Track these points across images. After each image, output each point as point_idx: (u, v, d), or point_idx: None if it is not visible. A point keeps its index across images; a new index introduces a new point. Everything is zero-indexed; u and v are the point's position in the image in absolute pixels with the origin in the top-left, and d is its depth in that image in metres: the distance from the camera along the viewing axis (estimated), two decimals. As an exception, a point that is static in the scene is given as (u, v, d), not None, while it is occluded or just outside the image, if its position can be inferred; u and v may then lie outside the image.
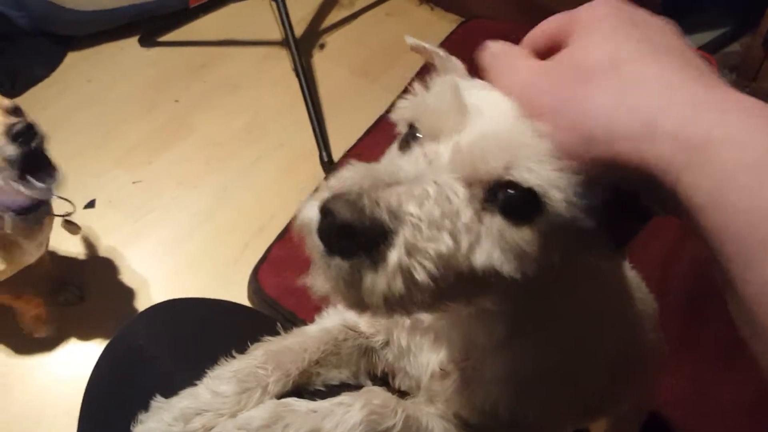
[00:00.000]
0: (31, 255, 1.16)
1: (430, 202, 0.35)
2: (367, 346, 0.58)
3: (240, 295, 1.36)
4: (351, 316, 0.58)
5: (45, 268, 1.34)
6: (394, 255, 0.34)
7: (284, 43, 1.79)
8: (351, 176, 0.36)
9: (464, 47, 1.68)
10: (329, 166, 1.60)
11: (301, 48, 1.69)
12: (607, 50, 0.33)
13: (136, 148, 1.64)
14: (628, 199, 0.35)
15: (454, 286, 0.36)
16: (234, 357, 0.53)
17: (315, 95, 1.71)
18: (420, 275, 0.34)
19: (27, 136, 0.93)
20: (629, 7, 0.35)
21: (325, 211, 0.34)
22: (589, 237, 0.37)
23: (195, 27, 1.84)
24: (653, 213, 0.37)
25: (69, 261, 1.44)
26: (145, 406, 0.52)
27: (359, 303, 0.36)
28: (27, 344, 1.33)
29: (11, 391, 1.28)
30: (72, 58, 1.84)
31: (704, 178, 0.28)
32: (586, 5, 0.36)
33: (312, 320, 0.68)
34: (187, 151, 1.64)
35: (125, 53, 1.85)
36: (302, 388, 0.54)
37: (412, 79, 1.64)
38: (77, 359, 1.32)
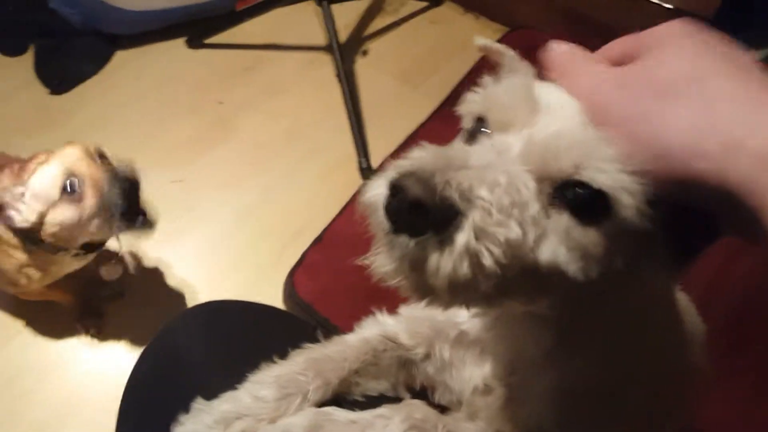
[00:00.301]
0: (70, 269, 1.18)
1: (500, 189, 0.34)
2: (407, 359, 0.57)
3: (276, 298, 1.36)
4: (391, 327, 0.58)
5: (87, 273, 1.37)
6: (463, 237, 0.33)
7: (328, 48, 1.80)
8: (423, 156, 0.35)
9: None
10: (368, 172, 1.60)
11: (345, 54, 1.70)
12: (686, 66, 0.32)
13: (180, 147, 1.66)
14: (695, 216, 0.34)
15: (517, 280, 0.35)
16: (275, 362, 0.53)
17: (356, 101, 1.71)
18: (487, 260, 0.33)
19: (133, 187, 0.97)
20: (704, 28, 0.34)
21: (395, 187, 0.34)
22: (654, 250, 0.36)
23: (241, 30, 1.86)
24: (720, 233, 0.36)
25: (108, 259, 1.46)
26: (184, 406, 0.53)
27: (421, 286, 0.35)
28: (66, 338, 1.36)
29: (49, 383, 1.30)
30: (120, 56, 1.87)
31: None
32: (663, 24, 0.35)
33: (344, 327, 0.67)
34: (229, 152, 1.65)
35: (172, 54, 1.88)
36: (341, 397, 0.53)
37: (460, 83, 1.62)
38: (115, 355, 1.34)
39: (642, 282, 0.40)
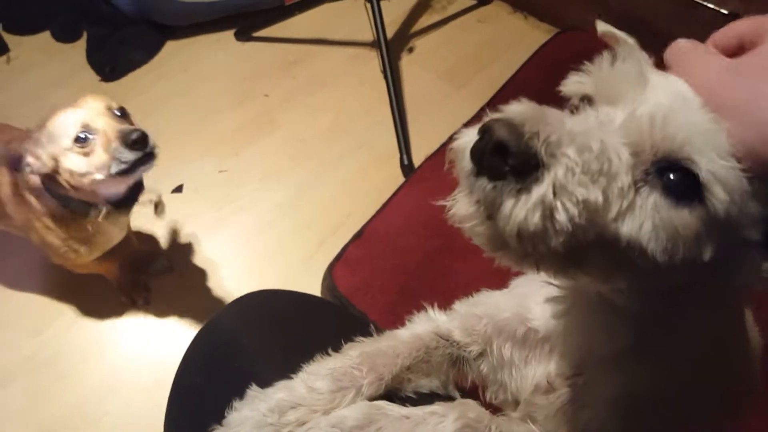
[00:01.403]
0: (113, 239, 1.21)
1: (590, 154, 0.34)
2: (458, 356, 0.57)
3: (312, 290, 1.37)
4: (443, 324, 0.57)
5: (132, 247, 1.41)
6: (541, 188, 0.33)
7: (374, 44, 1.80)
8: (519, 108, 0.35)
9: (558, 59, 1.64)
10: (409, 169, 1.60)
11: (391, 50, 1.70)
12: None
13: (226, 138, 1.68)
14: None
15: (595, 249, 0.35)
16: (329, 354, 0.54)
17: (400, 98, 1.71)
18: (561, 216, 0.33)
19: (142, 144, 0.97)
20: None
21: (485, 130, 0.34)
22: (747, 255, 0.35)
23: (289, 24, 1.88)
24: None
25: (153, 242, 1.50)
26: (233, 393, 0.53)
27: (494, 236, 0.35)
28: (106, 321, 1.40)
29: (89, 362, 1.34)
30: (170, 47, 1.91)
31: None
32: None
33: (381, 322, 0.67)
34: (273, 145, 1.67)
35: (221, 46, 1.91)
36: (393, 393, 0.53)
37: (506, 84, 1.60)
38: (153, 339, 1.37)
39: (727, 288, 0.39)
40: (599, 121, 0.36)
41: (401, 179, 1.57)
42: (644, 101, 0.36)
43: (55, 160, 0.99)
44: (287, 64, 1.85)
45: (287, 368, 0.54)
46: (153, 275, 1.44)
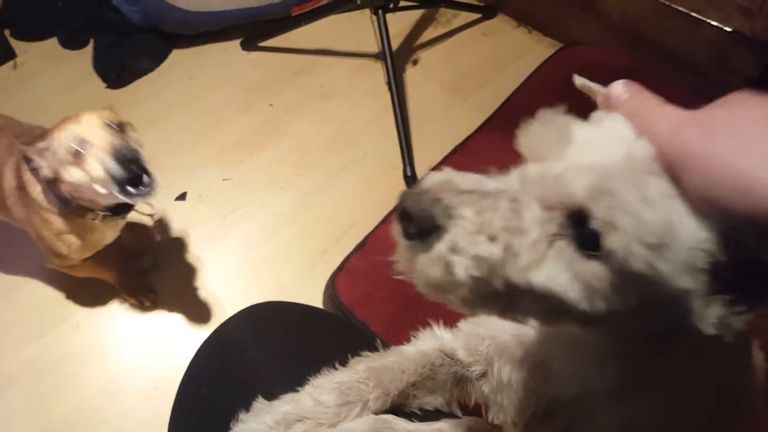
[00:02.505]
0: (105, 239, 1.23)
1: (494, 213, 0.37)
2: (462, 375, 0.57)
3: (314, 299, 1.38)
4: (448, 342, 0.58)
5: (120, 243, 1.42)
6: (439, 246, 0.37)
7: (379, 56, 1.81)
8: (436, 177, 0.40)
9: (561, 73, 1.65)
10: (412, 180, 1.60)
11: (395, 62, 1.71)
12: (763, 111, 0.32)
13: (230, 147, 1.69)
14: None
15: (521, 296, 0.38)
16: (335, 368, 0.54)
17: (404, 109, 1.72)
18: (458, 270, 0.37)
19: (132, 160, 1.00)
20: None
21: (400, 199, 0.40)
22: (688, 299, 0.35)
23: (295, 35, 1.89)
24: None
25: (154, 248, 1.50)
26: (238, 404, 0.53)
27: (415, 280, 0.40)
28: (109, 327, 1.40)
29: (90, 368, 1.34)
30: (177, 55, 1.92)
31: None
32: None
33: (383, 334, 0.68)
34: (277, 154, 1.68)
35: (227, 55, 1.92)
36: (398, 408, 0.54)
37: (510, 97, 1.60)
38: (155, 345, 1.37)
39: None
40: (521, 179, 0.39)
41: (404, 189, 1.57)
42: (563, 159, 0.38)
43: (56, 172, 1.03)
44: (293, 74, 1.86)
45: (293, 381, 0.55)
46: (139, 273, 1.45)
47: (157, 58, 1.89)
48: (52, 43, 1.95)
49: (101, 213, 1.12)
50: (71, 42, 1.94)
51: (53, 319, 1.40)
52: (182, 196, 1.59)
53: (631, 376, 0.43)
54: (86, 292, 1.43)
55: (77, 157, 1.00)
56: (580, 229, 0.36)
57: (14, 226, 1.26)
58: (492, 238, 0.37)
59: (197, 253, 1.50)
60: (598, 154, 0.37)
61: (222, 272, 1.47)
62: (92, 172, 1.00)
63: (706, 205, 0.33)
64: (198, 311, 1.41)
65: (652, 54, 1.66)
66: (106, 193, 1.02)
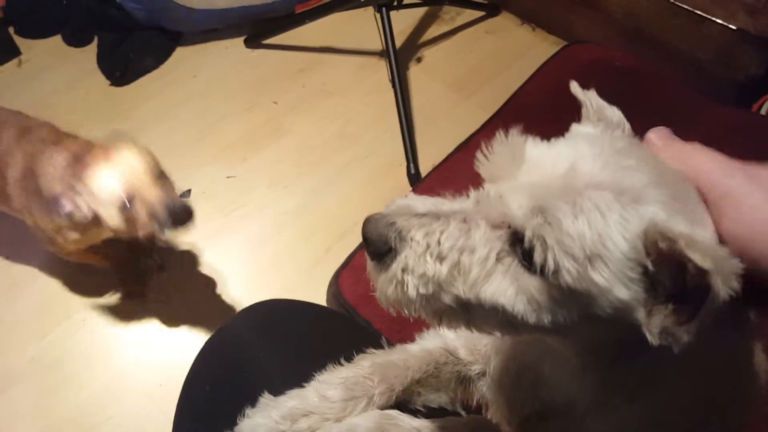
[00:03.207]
0: (104, 234, 1.21)
1: (442, 234, 0.40)
2: (465, 374, 0.57)
3: (318, 297, 1.37)
4: (451, 341, 0.58)
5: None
6: (393, 266, 0.41)
7: (383, 53, 1.81)
8: (397, 202, 0.44)
9: (565, 71, 1.63)
10: (415, 178, 1.60)
11: (399, 60, 1.71)
12: None
13: (234, 144, 1.69)
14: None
15: (467, 311, 0.41)
16: (341, 364, 0.54)
17: (408, 107, 1.72)
18: (409, 288, 0.40)
19: (186, 216, 1.00)
20: None
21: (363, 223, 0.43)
22: (633, 310, 0.36)
23: (299, 32, 1.89)
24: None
25: (158, 245, 1.50)
26: (242, 401, 0.54)
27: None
28: (113, 326, 1.40)
29: (94, 366, 1.35)
30: (180, 52, 1.92)
31: None
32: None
33: (386, 331, 0.68)
34: (281, 152, 1.68)
35: (230, 52, 1.92)
36: (402, 405, 0.54)
37: (514, 95, 1.60)
38: (158, 344, 1.38)
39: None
40: (476, 200, 0.42)
41: (408, 188, 1.58)
42: (513, 179, 0.41)
43: (94, 212, 1.00)
44: (296, 71, 1.86)
45: (297, 379, 0.55)
46: (145, 272, 1.45)
47: (161, 55, 1.89)
48: (57, 40, 1.95)
49: None
50: (75, 39, 1.94)
51: (57, 316, 1.41)
52: (186, 194, 1.59)
53: (611, 386, 0.43)
54: (91, 290, 1.44)
55: (124, 210, 0.98)
56: (522, 246, 0.38)
57: (10, 215, 1.27)
58: (440, 258, 0.40)
59: (201, 250, 1.50)
60: (544, 173, 0.39)
61: (225, 270, 1.47)
62: (139, 223, 0.99)
63: (735, 244, 0.35)
64: (201, 308, 1.41)
65: (656, 52, 1.65)
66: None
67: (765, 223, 0.34)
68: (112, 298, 1.43)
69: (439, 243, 0.40)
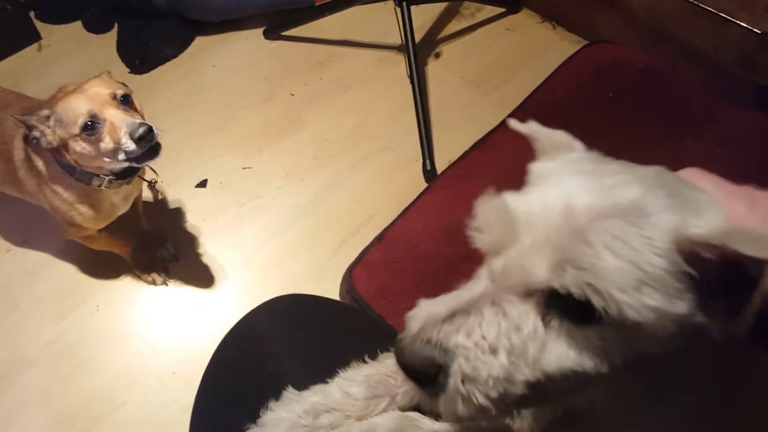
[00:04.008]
0: (117, 207, 1.25)
1: (482, 327, 0.37)
2: None
3: (331, 290, 1.38)
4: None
5: (141, 227, 1.45)
6: (451, 383, 0.37)
7: (401, 48, 1.80)
8: (415, 317, 0.40)
9: (585, 71, 1.61)
10: (431, 175, 1.60)
11: (418, 55, 1.70)
12: None
13: (251, 136, 1.70)
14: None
15: (533, 392, 0.38)
16: (365, 361, 0.54)
17: (425, 103, 1.71)
18: (478, 398, 0.37)
19: (148, 138, 1.01)
20: None
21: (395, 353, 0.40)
22: (687, 316, 0.36)
23: (318, 24, 1.88)
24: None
25: (174, 234, 1.51)
26: (264, 395, 0.54)
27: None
28: (128, 311, 1.42)
29: (108, 351, 1.36)
30: (200, 42, 1.92)
31: None
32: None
33: (399, 327, 0.67)
34: (297, 144, 1.68)
35: (249, 43, 1.92)
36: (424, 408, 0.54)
37: (532, 94, 1.59)
38: (171, 332, 1.39)
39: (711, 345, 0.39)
40: (491, 277, 0.39)
41: (423, 184, 1.57)
42: (517, 240, 0.38)
43: (64, 142, 1.04)
44: (314, 64, 1.86)
45: (318, 374, 0.55)
46: (159, 260, 1.46)
47: (181, 44, 1.90)
48: (77, 26, 1.96)
49: (106, 178, 1.13)
50: (95, 26, 1.95)
51: (73, 301, 1.42)
52: (203, 183, 1.60)
53: (634, 392, 0.43)
54: (106, 276, 1.45)
55: (89, 132, 1.01)
56: (565, 304, 0.36)
57: (30, 202, 1.28)
58: (494, 351, 0.37)
59: (216, 240, 1.51)
60: (543, 225, 0.37)
61: (240, 260, 1.47)
62: (104, 147, 1.01)
63: None
64: (214, 299, 1.42)
65: (678, 53, 1.64)
66: (111, 161, 1.04)
67: None
68: (127, 284, 1.44)
69: (484, 337, 0.37)
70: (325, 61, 1.86)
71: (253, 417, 0.55)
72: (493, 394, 0.37)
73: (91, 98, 1.02)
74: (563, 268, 0.35)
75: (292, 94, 1.79)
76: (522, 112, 1.65)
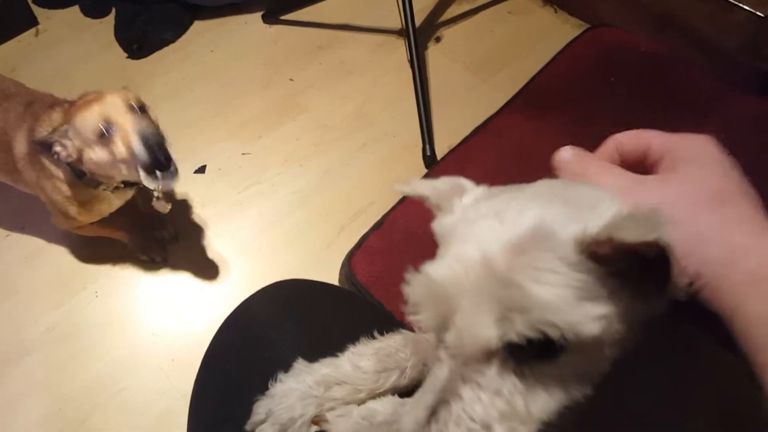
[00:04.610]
0: (112, 207, 1.26)
1: (466, 410, 0.36)
2: None
3: (329, 277, 1.35)
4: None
5: (138, 208, 1.45)
6: None
7: (401, 32, 1.79)
8: (406, 427, 0.38)
9: (587, 55, 1.60)
10: (431, 160, 1.59)
11: (418, 39, 1.69)
12: (716, 187, 0.37)
13: (250, 121, 1.69)
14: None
15: None
16: (374, 337, 0.55)
17: (425, 88, 1.70)
18: None
19: (158, 145, 1.03)
20: (723, 149, 0.40)
21: None
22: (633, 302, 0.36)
23: (317, 9, 1.86)
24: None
25: (172, 220, 1.50)
26: (264, 381, 0.54)
27: None
28: (127, 298, 1.41)
29: (107, 338, 1.36)
30: (198, 26, 1.91)
31: (764, 304, 0.33)
32: (692, 136, 0.40)
33: (398, 313, 0.68)
34: (297, 130, 1.67)
35: (248, 27, 1.90)
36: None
37: (533, 79, 1.58)
38: (170, 318, 1.38)
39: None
40: (449, 359, 0.38)
41: (424, 170, 1.56)
42: (456, 310, 0.37)
43: (80, 151, 1.06)
44: (313, 48, 1.84)
45: (316, 359, 0.55)
46: (159, 241, 1.46)
47: (179, 29, 1.88)
48: (74, 11, 1.95)
49: (114, 185, 1.16)
50: (93, 10, 1.94)
51: (72, 288, 1.42)
52: (201, 169, 1.59)
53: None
54: (105, 262, 1.45)
55: (103, 138, 1.04)
56: (526, 349, 0.36)
57: (22, 190, 1.29)
58: (487, 427, 0.36)
59: (214, 226, 1.50)
60: (470, 285, 0.37)
61: (239, 246, 1.47)
62: (118, 154, 1.03)
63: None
64: (213, 285, 1.42)
65: (681, 37, 1.62)
66: (127, 173, 1.06)
67: None
68: (126, 271, 1.44)
69: (473, 419, 0.36)
70: (325, 45, 1.85)
71: (253, 402, 0.54)
72: None
73: (106, 106, 1.05)
74: (508, 318, 0.35)
75: (291, 79, 1.77)
76: (523, 97, 1.64)
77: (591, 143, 0.48)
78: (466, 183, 0.47)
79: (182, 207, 1.53)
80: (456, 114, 1.66)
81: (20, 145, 1.17)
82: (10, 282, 1.43)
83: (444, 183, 0.47)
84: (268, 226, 1.51)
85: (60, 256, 1.46)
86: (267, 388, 0.52)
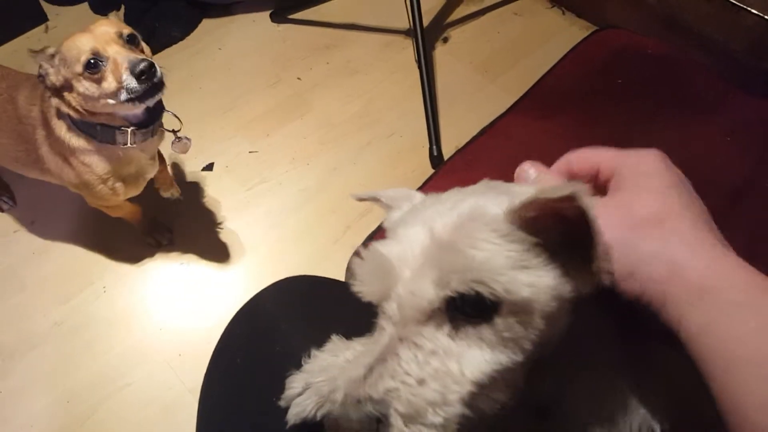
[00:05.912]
0: (146, 171, 1.23)
1: (402, 365, 0.39)
2: None
3: (337, 273, 1.36)
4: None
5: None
6: (395, 428, 0.38)
7: (409, 32, 1.79)
8: (340, 382, 0.41)
9: (594, 57, 1.60)
10: (438, 160, 1.59)
11: (425, 39, 1.69)
12: (654, 208, 0.39)
13: (257, 119, 1.69)
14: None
15: (477, 405, 0.39)
16: None
17: (432, 88, 1.70)
18: (425, 431, 0.38)
19: (149, 74, 0.99)
20: (670, 165, 0.42)
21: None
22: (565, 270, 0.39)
23: (325, 8, 1.87)
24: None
25: (179, 217, 1.52)
26: (276, 375, 0.54)
27: None
28: (133, 291, 1.42)
29: (114, 332, 1.37)
30: (207, 24, 1.92)
31: (703, 315, 0.35)
32: (637, 154, 0.42)
33: None
34: (304, 128, 1.68)
35: (256, 26, 1.91)
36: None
37: (540, 80, 1.58)
38: (177, 314, 1.39)
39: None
40: (391, 320, 0.41)
41: (430, 170, 1.57)
42: (399, 279, 0.41)
43: (68, 82, 1.02)
44: (321, 47, 1.85)
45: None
46: (150, 244, 1.47)
47: (188, 26, 1.89)
48: (84, 7, 1.96)
49: (128, 130, 1.10)
50: (102, 7, 1.94)
51: (80, 282, 1.43)
52: (209, 167, 1.60)
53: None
54: (113, 257, 1.46)
55: (91, 70, 0.99)
56: (462, 311, 0.39)
57: (42, 183, 1.27)
58: (421, 382, 0.38)
59: (222, 223, 1.51)
60: (416, 256, 0.40)
61: (246, 244, 1.48)
62: (107, 86, 0.99)
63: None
64: (220, 282, 1.42)
65: (688, 40, 1.62)
66: (115, 102, 1.01)
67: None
68: (134, 266, 1.45)
69: (408, 374, 0.38)
70: (332, 44, 1.85)
71: (264, 396, 0.55)
72: (438, 420, 0.38)
73: (96, 36, 1.00)
74: (447, 279, 0.38)
75: (299, 78, 1.78)
76: (530, 98, 1.64)
77: (598, 144, 0.49)
78: (416, 193, 0.51)
79: (190, 204, 1.53)
80: (463, 114, 1.67)
81: (39, 132, 1.14)
82: (19, 277, 1.44)
83: (397, 191, 0.52)
84: (275, 223, 1.51)
85: (68, 251, 1.47)
86: (278, 381, 0.52)
